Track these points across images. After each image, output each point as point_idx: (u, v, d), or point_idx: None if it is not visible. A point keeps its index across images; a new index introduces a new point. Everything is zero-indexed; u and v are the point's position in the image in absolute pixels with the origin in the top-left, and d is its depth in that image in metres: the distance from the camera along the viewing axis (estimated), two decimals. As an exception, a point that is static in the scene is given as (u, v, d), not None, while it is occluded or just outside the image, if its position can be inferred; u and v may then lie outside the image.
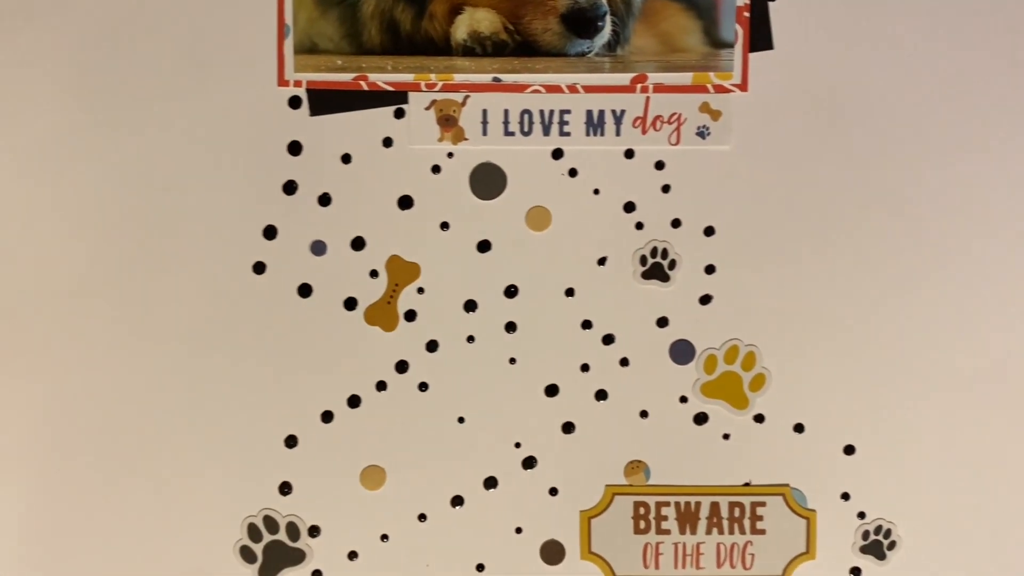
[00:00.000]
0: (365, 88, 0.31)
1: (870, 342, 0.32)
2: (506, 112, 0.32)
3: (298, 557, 0.32)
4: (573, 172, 0.32)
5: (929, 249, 0.32)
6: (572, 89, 0.31)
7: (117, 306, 0.31)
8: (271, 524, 0.32)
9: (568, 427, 0.32)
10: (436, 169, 0.32)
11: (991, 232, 0.32)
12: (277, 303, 0.32)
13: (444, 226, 0.32)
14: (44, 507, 0.32)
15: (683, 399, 0.32)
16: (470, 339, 0.32)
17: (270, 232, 0.32)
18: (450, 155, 0.32)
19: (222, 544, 0.32)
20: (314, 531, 0.32)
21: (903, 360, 0.32)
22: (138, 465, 0.32)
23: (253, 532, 0.32)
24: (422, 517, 0.32)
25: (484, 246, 0.32)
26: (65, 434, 0.32)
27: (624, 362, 0.32)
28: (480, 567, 0.33)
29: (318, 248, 0.32)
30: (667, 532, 0.33)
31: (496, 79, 0.31)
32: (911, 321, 0.32)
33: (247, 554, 0.32)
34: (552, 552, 0.33)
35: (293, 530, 0.32)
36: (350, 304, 0.32)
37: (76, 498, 0.32)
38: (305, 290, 0.32)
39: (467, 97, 0.32)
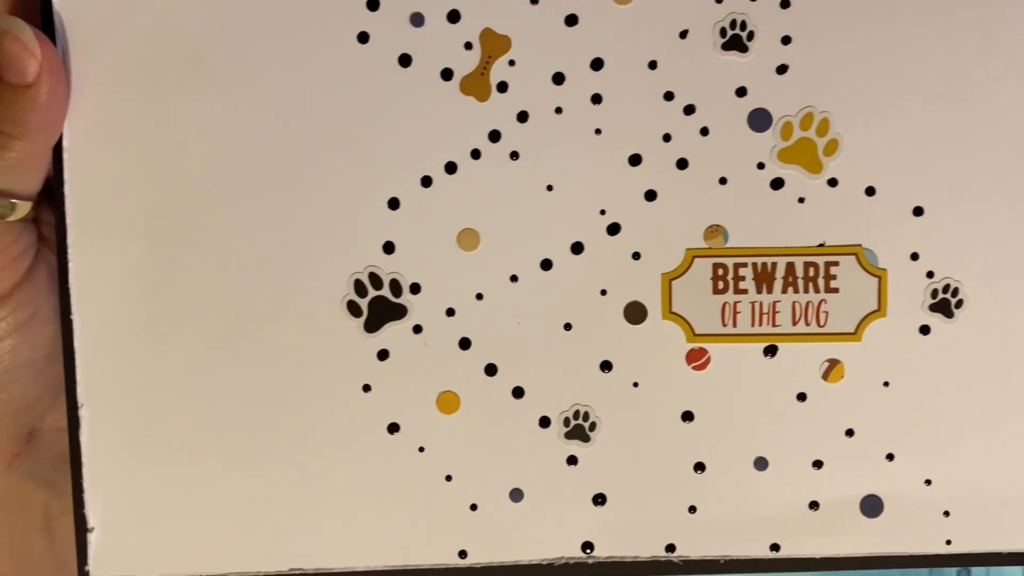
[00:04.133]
0: None
1: (940, 109, 0.34)
2: None
3: (400, 312, 0.35)
4: (656, -53, 0.34)
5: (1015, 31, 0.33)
6: None
7: (231, 67, 0.34)
8: (376, 280, 0.35)
9: (650, 195, 0.34)
10: (527, -54, 0.34)
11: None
12: (379, 72, 0.34)
13: (534, 0, 0.34)
14: (157, 263, 0.34)
15: (760, 165, 0.34)
16: (558, 110, 0.34)
17: (373, 4, 0.34)
18: (540, -67, 0.34)
19: (330, 299, 0.35)
20: (415, 288, 0.35)
21: (972, 122, 0.34)
22: (251, 222, 0.34)
23: (359, 287, 0.35)
24: (514, 278, 0.35)
25: (572, 20, 0.34)
26: (179, 194, 0.34)
27: (704, 131, 0.34)
28: (567, 326, 0.35)
29: (417, 19, 0.34)
30: (744, 292, 0.35)
31: None
32: (983, 84, 0.33)
33: (353, 308, 0.35)
34: (635, 312, 0.35)
35: (396, 286, 0.35)
36: (446, 75, 0.34)
37: (191, 255, 0.34)
38: (405, 60, 0.34)
39: None
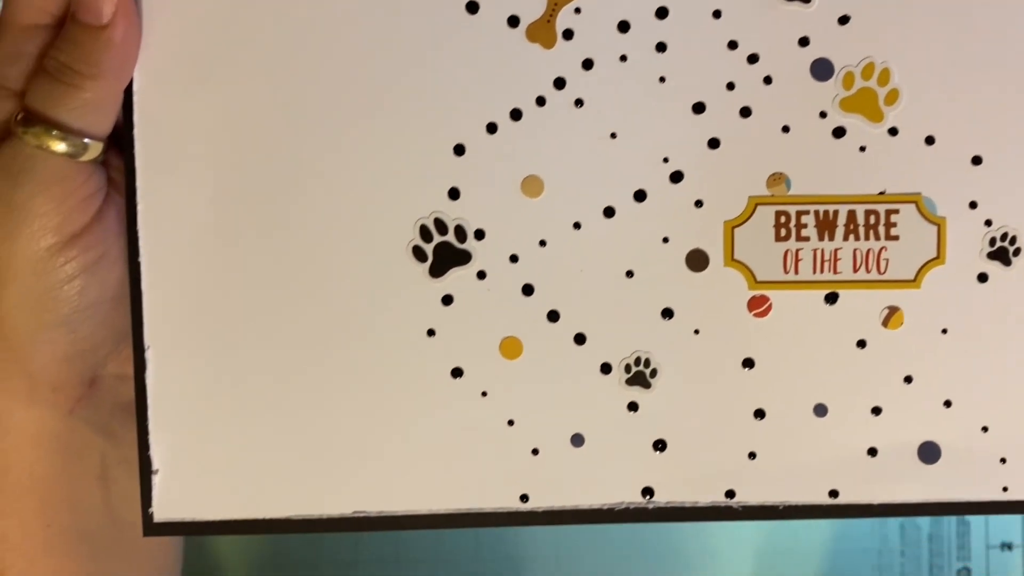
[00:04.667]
0: None
1: (1000, 60, 0.34)
2: None
3: (465, 258, 0.35)
4: None
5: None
6: None
7: (299, 11, 0.34)
8: (441, 226, 0.35)
9: (713, 143, 0.35)
10: None
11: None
12: (446, 18, 0.34)
13: (601, -51, 0.34)
14: (225, 206, 0.35)
15: (822, 114, 0.35)
16: (623, 58, 0.35)
17: (442, -47, 0.34)
18: None
19: (395, 244, 0.35)
20: (479, 234, 0.35)
21: (1032, 73, 0.34)
22: (318, 167, 0.35)
23: (424, 233, 0.35)
24: (577, 225, 0.35)
25: (638, -31, 0.34)
26: (247, 138, 0.35)
27: (767, 80, 0.35)
28: (630, 273, 0.35)
29: (484, -32, 0.34)
30: (806, 239, 0.35)
31: None
32: (1041, 36, 0.34)
33: (419, 253, 0.35)
34: (697, 260, 0.35)
35: (461, 232, 0.35)
36: (513, 22, 0.34)
37: (258, 198, 0.35)
38: (472, 7, 0.34)
39: None
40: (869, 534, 0.51)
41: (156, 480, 0.35)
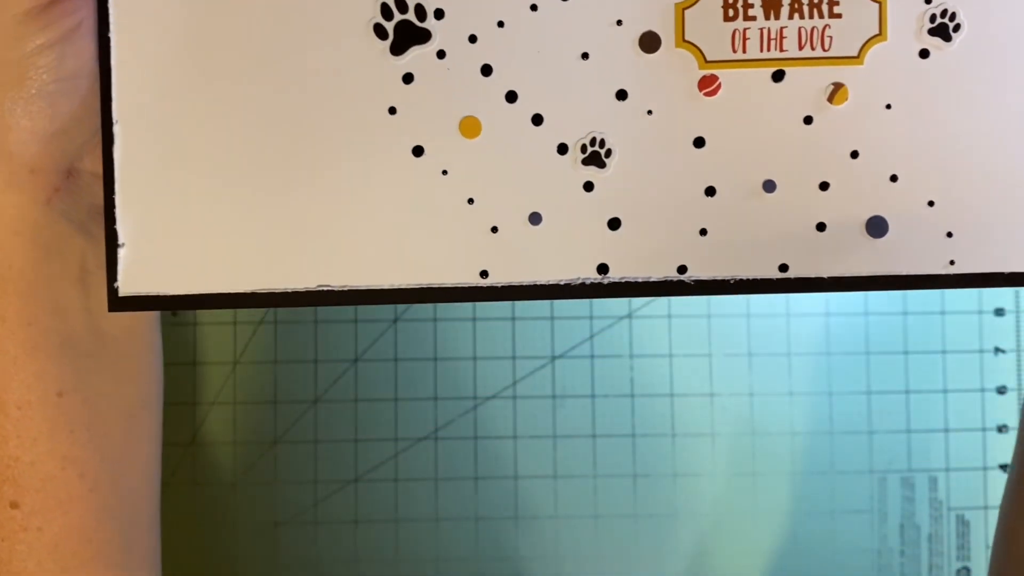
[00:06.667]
0: None
1: None
2: None
3: (425, 36, 0.36)
4: None
5: None
6: None
7: None
8: (401, 4, 0.36)
9: (663, -71, 0.36)
10: None
11: None
12: None
13: None
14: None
15: (767, -101, 0.36)
16: None
17: None
18: None
19: (357, 22, 0.36)
20: (439, 14, 0.36)
21: None
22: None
23: (385, 10, 0.36)
24: (534, 7, 0.36)
25: None
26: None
27: None
28: (585, 55, 0.36)
29: None
30: (753, 19, 0.36)
31: None
32: None
33: (379, 31, 0.36)
34: (649, 41, 0.36)
35: (420, 11, 0.36)
36: None
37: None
38: None
39: None
40: (869, 534, 0.51)
41: (122, 254, 0.36)
